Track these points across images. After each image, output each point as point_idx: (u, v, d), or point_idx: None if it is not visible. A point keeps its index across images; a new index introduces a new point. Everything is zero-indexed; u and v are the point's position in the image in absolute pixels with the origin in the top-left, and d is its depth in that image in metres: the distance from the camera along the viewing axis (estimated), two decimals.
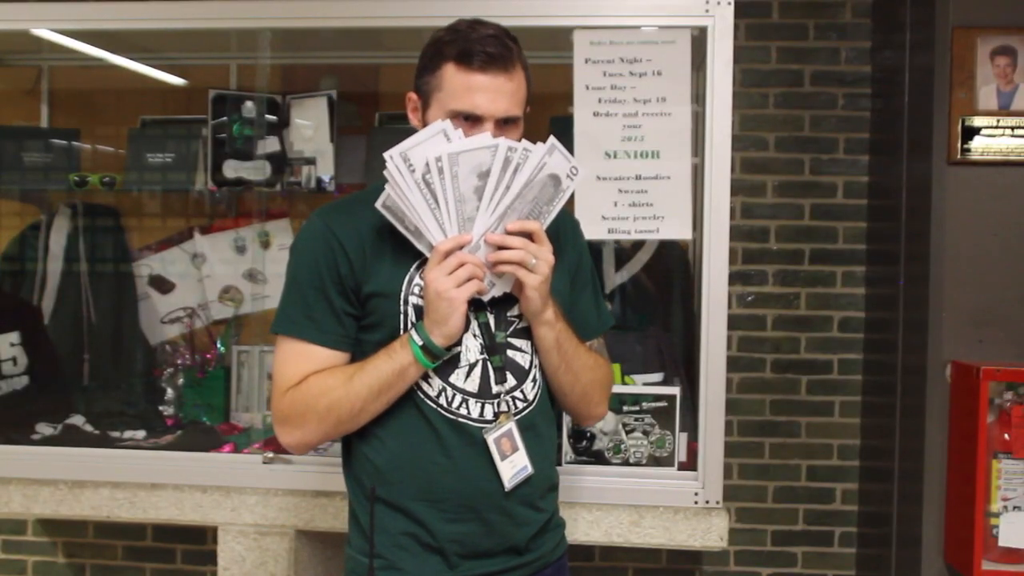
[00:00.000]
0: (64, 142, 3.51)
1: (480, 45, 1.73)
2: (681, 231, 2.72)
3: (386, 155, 1.71)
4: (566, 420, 2.72)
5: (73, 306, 3.53)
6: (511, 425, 1.79)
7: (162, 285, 3.57)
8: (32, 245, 3.56)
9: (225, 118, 3.31)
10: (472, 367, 1.80)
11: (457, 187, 1.71)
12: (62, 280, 3.55)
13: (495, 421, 1.79)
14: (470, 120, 1.75)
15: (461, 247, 1.71)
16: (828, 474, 3.42)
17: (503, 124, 1.76)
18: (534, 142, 1.76)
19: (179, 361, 3.44)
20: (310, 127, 3.30)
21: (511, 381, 1.82)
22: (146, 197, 3.60)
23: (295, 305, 1.82)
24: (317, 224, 1.83)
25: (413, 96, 1.85)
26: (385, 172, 1.71)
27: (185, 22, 2.95)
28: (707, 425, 2.71)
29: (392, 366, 1.73)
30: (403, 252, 1.79)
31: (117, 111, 3.73)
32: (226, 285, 3.51)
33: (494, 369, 1.80)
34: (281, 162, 3.31)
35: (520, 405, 1.83)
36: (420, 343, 1.72)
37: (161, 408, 3.38)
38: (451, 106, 1.75)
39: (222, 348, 3.44)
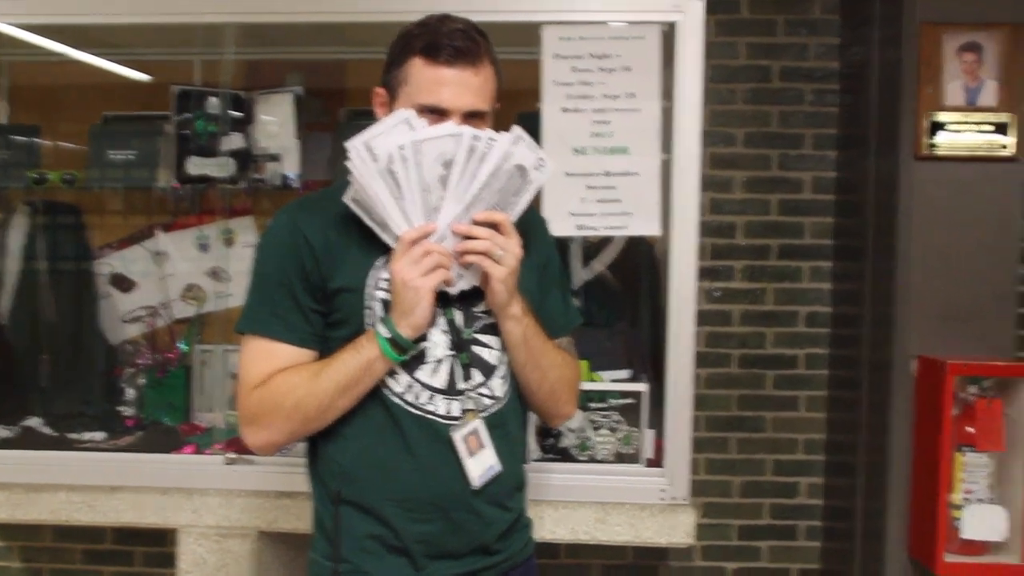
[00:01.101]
0: (23, 139, 3.43)
1: (448, 39, 1.71)
2: (650, 228, 2.71)
3: (348, 144, 1.68)
4: (532, 417, 2.69)
5: (31, 305, 3.44)
6: (478, 423, 1.76)
7: (123, 284, 3.51)
8: None
9: (189, 114, 3.25)
10: (439, 363, 1.77)
11: (421, 176, 1.69)
12: (20, 279, 3.46)
13: (462, 418, 1.76)
14: (436, 114, 1.73)
15: (426, 236, 1.69)
16: (794, 468, 3.42)
17: (469, 119, 1.73)
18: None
19: (140, 361, 3.39)
20: (275, 123, 3.26)
21: (478, 377, 1.80)
22: (108, 194, 3.51)
23: (261, 303, 1.79)
24: (283, 221, 1.80)
25: (380, 91, 1.82)
26: (347, 163, 1.68)
27: (148, 17, 2.89)
28: (674, 422, 2.70)
29: (359, 360, 1.71)
30: (370, 247, 1.76)
31: (79, 107, 3.64)
32: (189, 283, 3.45)
33: (461, 366, 1.78)
34: (246, 159, 3.25)
35: (487, 402, 1.80)
36: (387, 336, 1.69)
37: (121, 409, 3.33)
38: (417, 100, 1.73)
39: (184, 347, 3.38)
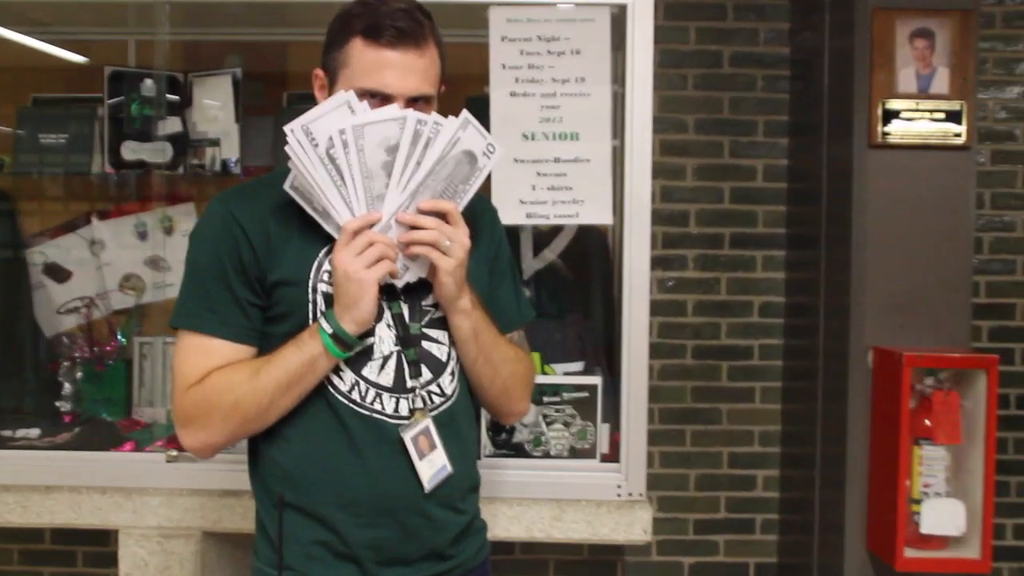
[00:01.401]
0: None
1: (390, 19, 1.63)
2: (602, 216, 2.66)
3: (286, 128, 1.59)
4: (484, 413, 2.63)
5: None
6: (427, 422, 1.69)
7: (58, 273, 3.38)
8: None
9: (123, 97, 3.13)
10: (386, 360, 1.69)
11: (364, 162, 1.60)
12: None
13: (411, 418, 1.68)
14: (378, 98, 1.64)
15: (370, 226, 1.61)
16: (749, 461, 3.39)
17: (413, 103, 1.65)
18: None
19: (77, 354, 3.26)
20: (215, 107, 3.15)
21: (427, 374, 1.72)
22: (40, 180, 3.40)
23: (195, 296, 1.69)
24: (217, 209, 1.71)
25: (320, 73, 1.74)
26: (286, 148, 1.60)
27: None
28: (629, 416, 2.65)
29: (301, 357, 1.62)
30: (311, 237, 1.67)
31: (8, 89, 3.51)
32: (127, 273, 3.33)
33: (409, 362, 1.70)
34: (184, 144, 3.15)
35: (437, 400, 1.73)
36: (330, 331, 1.60)
37: (58, 404, 3.20)
38: (358, 83, 1.64)
39: (123, 339, 3.27)
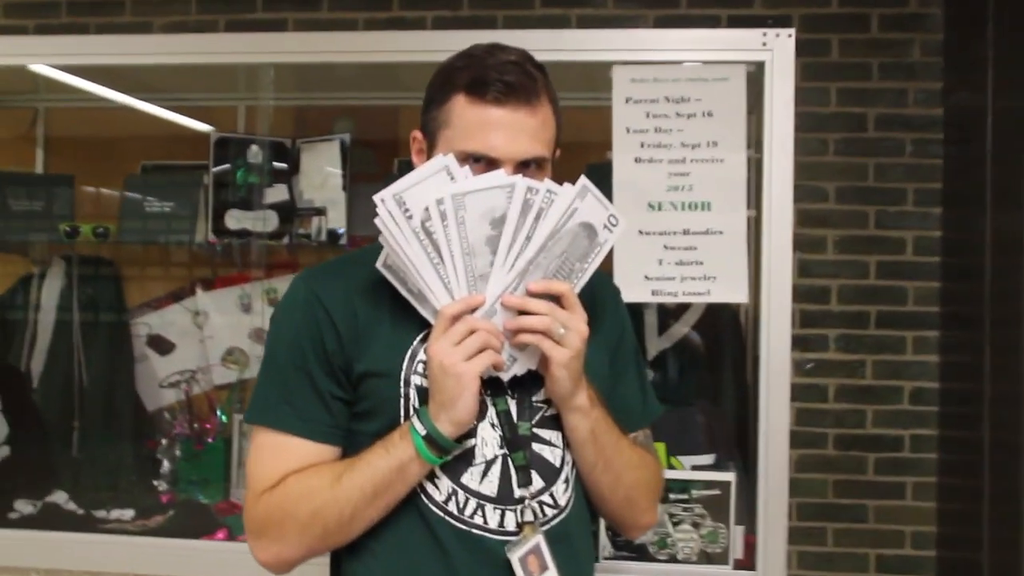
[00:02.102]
0: (57, 189, 3.27)
1: (497, 72, 1.42)
2: (736, 294, 2.44)
3: (376, 198, 1.39)
4: None
5: (64, 368, 3.28)
6: (539, 538, 1.44)
7: (161, 345, 3.31)
8: (23, 301, 3.32)
9: (228, 165, 3.04)
10: (490, 465, 1.46)
11: (465, 236, 1.39)
12: (53, 339, 3.31)
13: (518, 533, 1.44)
14: (483, 163, 1.43)
15: (472, 311, 1.39)
16: (901, 565, 3.03)
17: (524, 168, 1.44)
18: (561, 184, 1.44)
19: (176, 430, 3.15)
20: (321, 174, 3.02)
21: (538, 482, 1.48)
22: (145, 249, 3.35)
23: (272, 388, 1.50)
24: (300, 290, 1.52)
25: (418, 135, 1.54)
26: (376, 220, 1.39)
27: (183, 57, 2.76)
28: (767, 516, 2.43)
29: (389, 462, 1.40)
30: (405, 322, 1.47)
31: (118, 156, 3.52)
32: (229, 347, 3.24)
33: (516, 468, 1.46)
34: (290, 212, 3.06)
35: (550, 512, 1.48)
36: (423, 432, 1.38)
37: (156, 483, 3.09)
38: (461, 146, 1.43)
39: (223, 417, 3.14)
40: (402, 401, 1.46)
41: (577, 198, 1.42)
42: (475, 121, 1.43)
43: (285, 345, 1.49)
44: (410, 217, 1.39)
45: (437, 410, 1.38)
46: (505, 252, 1.40)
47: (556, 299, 1.41)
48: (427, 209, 1.38)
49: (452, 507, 1.43)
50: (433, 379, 1.38)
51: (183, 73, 2.95)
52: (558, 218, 1.40)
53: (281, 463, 1.46)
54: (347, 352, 1.46)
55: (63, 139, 3.51)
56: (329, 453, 1.48)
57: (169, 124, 3.35)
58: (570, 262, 1.44)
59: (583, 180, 1.43)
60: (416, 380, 1.45)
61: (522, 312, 1.40)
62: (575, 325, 1.41)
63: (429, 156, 1.48)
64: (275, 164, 3.02)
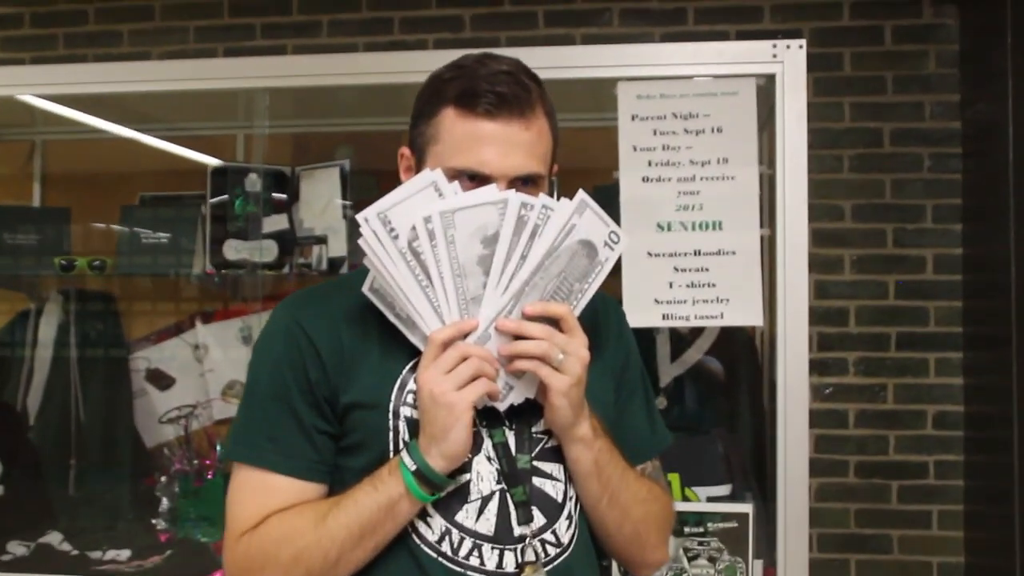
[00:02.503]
0: (54, 222, 3.22)
1: (488, 83, 1.33)
2: (751, 316, 2.34)
3: (359, 217, 1.30)
4: None
5: (61, 405, 3.21)
6: None
7: (161, 380, 3.23)
8: (19, 336, 3.25)
9: (226, 196, 2.98)
10: (486, 501, 1.35)
11: (455, 257, 1.29)
12: (50, 375, 3.24)
13: (519, 575, 1.34)
14: (475, 181, 1.34)
15: (464, 336, 1.29)
16: None
17: (519, 186, 1.35)
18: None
19: (176, 467, 3.05)
20: (321, 202, 2.95)
21: (539, 519, 1.38)
22: (143, 282, 3.30)
23: (253, 423, 1.40)
24: (281, 318, 1.43)
25: (406, 151, 1.46)
26: (360, 240, 1.30)
27: (179, 84, 2.68)
28: (787, 549, 2.30)
29: (377, 500, 1.30)
30: (394, 350, 1.37)
31: (117, 188, 3.45)
32: (230, 380, 3.16)
33: (516, 504, 1.36)
34: (289, 241, 2.98)
35: (552, 551, 1.38)
36: (413, 468, 1.28)
37: (154, 522, 2.99)
38: (450, 162, 1.34)
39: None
40: (391, 434, 1.36)
41: (575, 214, 1.32)
42: (465, 135, 1.34)
43: (266, 376, 1.40)
44: (396, 237, 1.30)
45: (428, 443, 1.28)
46: (499, 272, 1.30)
47: (554, 322, 1.31)
48: (414, 228, 1.29)
49: (446, 547, 1.33)
50: (423, 410, 1.29)
51: (181, 102, 2.90)
52: (555, 235, 1.31)
53: (263, 502, 1.37)
54: (332, 382, 1.37)
55: (61, 172, 3.48)
56: (314, 491, 1.39)
57: (167, 155, 3.29)
58: (569, 282, 1.34)
59: (581, 194, 1.34)
60: (406, 411, 1.35)
61: (518, 337, 1.30)
62: (575, 350, 1.31)
63: (417, 173, 1.39)
64: (275, 196, 2.95)
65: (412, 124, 1.42)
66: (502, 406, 1.34)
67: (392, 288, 1.31)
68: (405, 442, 1.33)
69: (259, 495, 1.37)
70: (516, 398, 1.34)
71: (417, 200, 1.30)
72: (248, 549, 1.35)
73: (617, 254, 1.37)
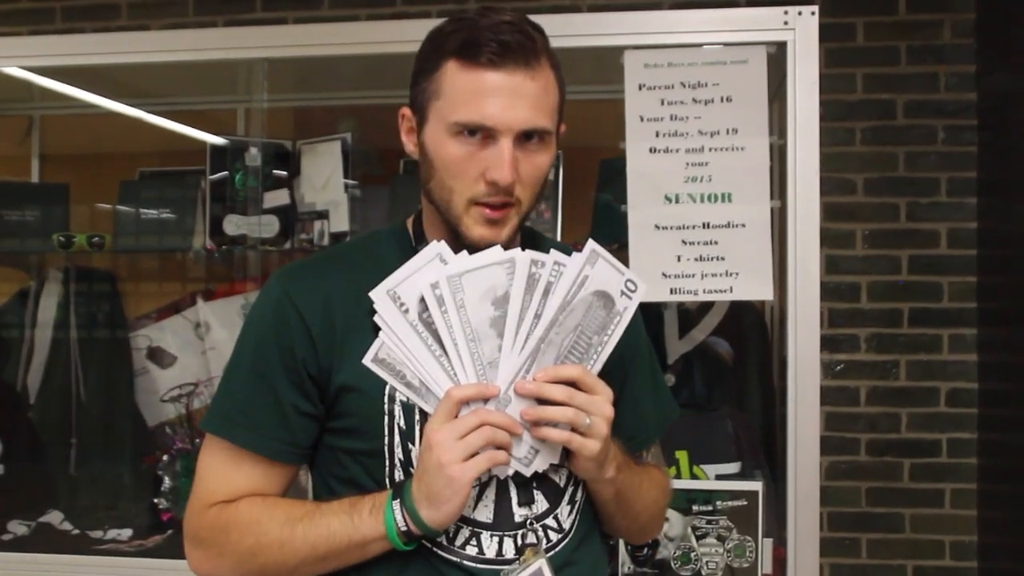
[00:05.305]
0: (52, 198, 3.17)
1: (491, 33, 1.25)
2: (761, 290, 2.28)
3: (372, 295, 1.27)
4: None
5: (61, 383, 3.16)
6: (541, 563, 1.28)
7: (162, 358, 3.18)
8: (19, 315, 3.20)
9: (226, 171, 2.92)
10: (484, 487, 1.30)
11: (467, 321, 1.25)
12: (51, 354, 3.19)
13: (519, 559, 1.29)
14: (479, 135, 1.27)
15: (485, 400, 1.24)
16: None
17: (525, 141, 1.28)
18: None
19: (177, 446, 3.02)
20: (322, 176, 2.90)
21: (542, 504, 1.32)
22: (143, 259, 3.25)
23: (232, 396, 1.35)
24: (273, 289, 1.37)
25: (407, 112, 1.38)
26: (376, 318, 1.27)
27: (176, 54, 2.60)
28: (797, 528, 2.25)
29: (351, 535, 1.25)
30: None
31: (116, 164, 3.40)
32: None
33: (516, 485, 1.31)
34: (290, 216, 2.92)
35: (554, 537, 1.33)
36: (401, 523, 1.23)
37: (156, 501, 2.96)
38: (452, 117, 1.27)
39: None
40: (386, 419, 1.30)
41: (587, 264, 1.27)
42: (467, 88, 1.26)
43: (250, 350, 1.35)
44: (406, 311, 1.26)
45: (421, 499, 1.22)
46: (513, 333, 1.25)
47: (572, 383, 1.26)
48: (423, 299, 1.26)
49: (440, 536, 1.28)
50: (424, 469, 1.22)
51: (180, 76, 2.85)
52: (567, 289, 1.26)
53: (232, 478, 1.34)
54: (322, 361, 1.31)
55: (59, 148, 3.44)
56: (280, 472, 1.35)
57: (167, 131, 3.23)
58: (587, 336, 1.28)
59: (591, 244, 1.28)
60: (402, 396, 1.29)
61: (540, 400, 1.24)
62: (598, 409, 1.25)
63: (420, 133, 1.34)
64: (277, 173, 2.90)
65: (413, 82, 1.35)
66: (527, 472, 1.29)
67: (408, 360, 1.27)
68: (397, 484, 1.28)
69: (228, 468, 1.34)
70: (541, 465, 1.29)
71: (424, 272, 1.27)
72: (214, 523, 1.32)
73: (636, 303, 1.32)
